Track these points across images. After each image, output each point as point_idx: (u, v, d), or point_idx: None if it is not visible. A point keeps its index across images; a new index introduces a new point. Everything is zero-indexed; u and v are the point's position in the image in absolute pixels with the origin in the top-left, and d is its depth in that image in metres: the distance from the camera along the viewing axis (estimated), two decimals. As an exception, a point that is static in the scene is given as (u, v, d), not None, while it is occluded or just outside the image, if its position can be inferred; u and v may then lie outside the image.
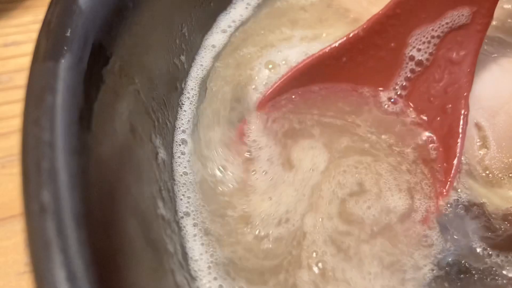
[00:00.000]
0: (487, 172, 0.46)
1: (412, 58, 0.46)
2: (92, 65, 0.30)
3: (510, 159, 0.46)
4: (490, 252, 0.39)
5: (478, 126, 0.48)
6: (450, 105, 0.46)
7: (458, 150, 0.43)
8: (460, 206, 0.42)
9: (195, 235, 0.36)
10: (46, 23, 0.30)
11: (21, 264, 0.47)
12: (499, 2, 0.45)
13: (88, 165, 0.26)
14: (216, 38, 0.51)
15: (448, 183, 0.42)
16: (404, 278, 0.38)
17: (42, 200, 0.22)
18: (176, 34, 0.44)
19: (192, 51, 0.47)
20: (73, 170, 0.24)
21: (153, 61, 0.39)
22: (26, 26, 0.70)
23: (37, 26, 0.76)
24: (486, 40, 0.56)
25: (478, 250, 0.39)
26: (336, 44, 0.45)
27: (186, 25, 0.45)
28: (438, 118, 0.46)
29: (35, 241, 0.21)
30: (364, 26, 0.45)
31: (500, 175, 0.46)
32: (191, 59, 0.47)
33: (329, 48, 0.45)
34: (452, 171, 0.42)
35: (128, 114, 0.32)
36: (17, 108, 0.61)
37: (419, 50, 0.46)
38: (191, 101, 0.45)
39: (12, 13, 0.71)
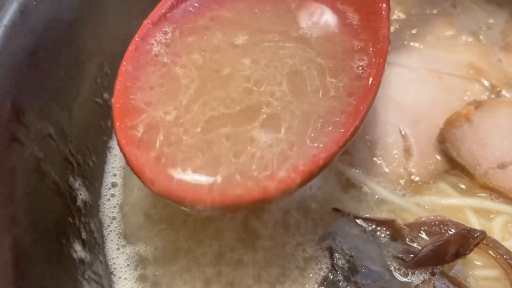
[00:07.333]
0: (412, 177, 0.47)
1: None
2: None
3: (432, 166, 0.49)
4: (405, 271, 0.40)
5: (403, 135, 0.50)
6: None
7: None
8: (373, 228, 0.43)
9: (125, 279, 0.37)
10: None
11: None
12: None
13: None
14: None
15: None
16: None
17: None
18: (97, 73, 0.44)
19: (116, 88, 0.47)
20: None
21: (70, 105, 0.39)
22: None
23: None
24: (405, 53, 0.58)
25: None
26: None
27: (108, 64, 0.45)
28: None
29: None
30: None
31: (425, 180, 0.48)
32: (116, 97, 0.47)
33: None
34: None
35: (39, 160, 0.33)
36: None
37: None
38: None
39: None
